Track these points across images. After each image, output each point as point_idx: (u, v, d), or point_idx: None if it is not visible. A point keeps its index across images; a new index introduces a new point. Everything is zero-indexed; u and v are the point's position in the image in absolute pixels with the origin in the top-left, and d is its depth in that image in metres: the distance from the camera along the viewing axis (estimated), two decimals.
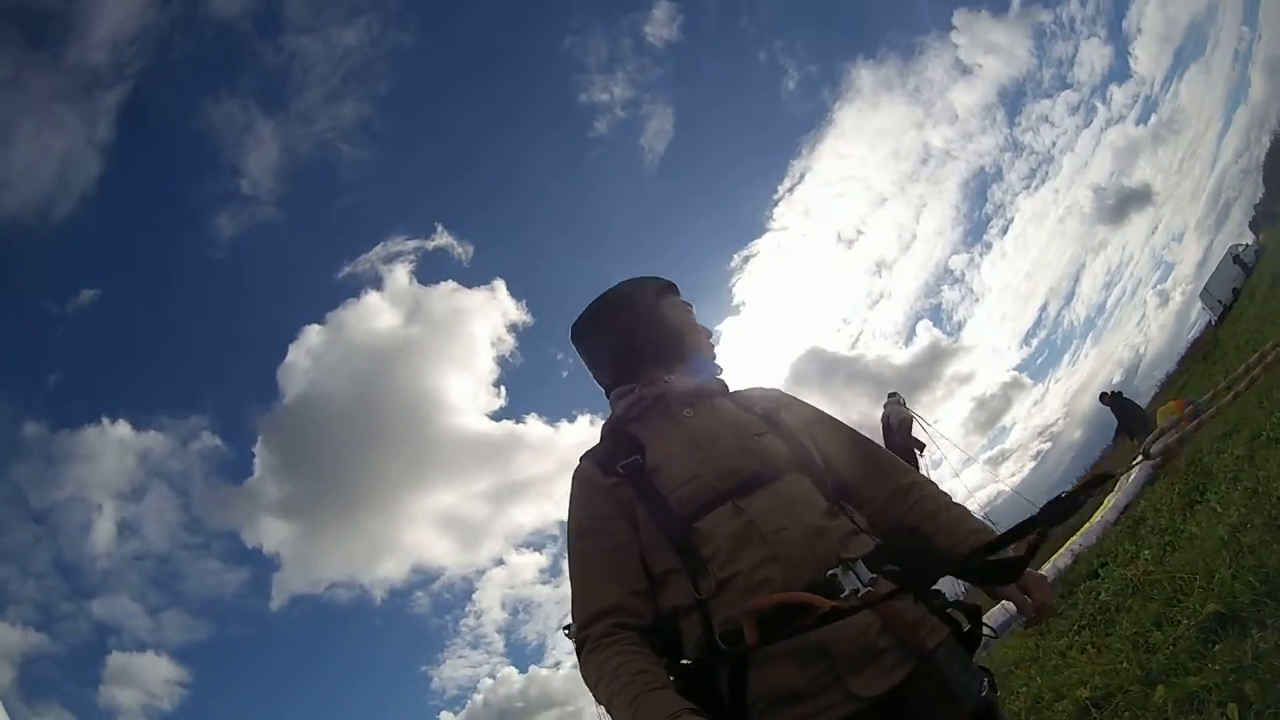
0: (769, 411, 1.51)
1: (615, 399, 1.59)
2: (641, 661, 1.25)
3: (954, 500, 1.51)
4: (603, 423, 1.60)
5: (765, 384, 1.64)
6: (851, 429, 1.59)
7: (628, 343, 1.59)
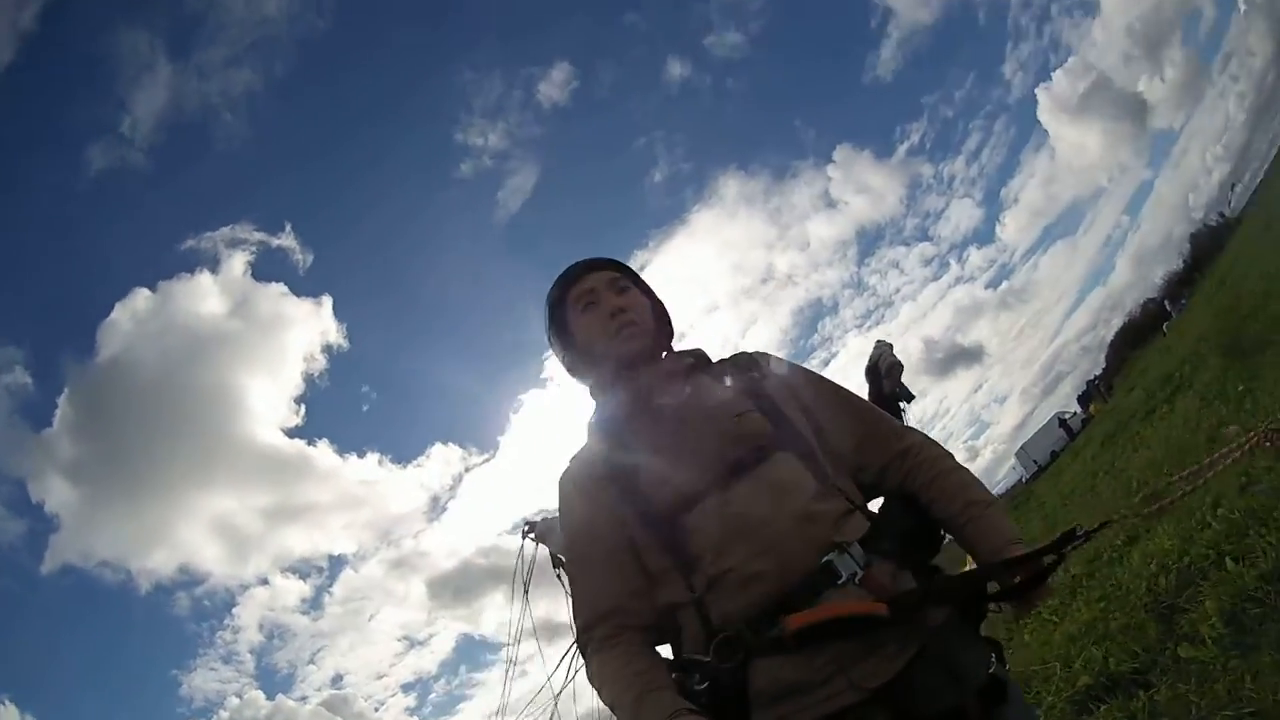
0: (752, 383, 1.43)
1: (594, 396, 1.55)
2: (641, 662, 1.25)
3: (956, 464, 1.42)
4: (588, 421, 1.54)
5: (747, 351, 1.55)
6: (843, 389, 1.51)
7: (569, 373, 1.59)
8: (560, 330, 1.55)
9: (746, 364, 1.48)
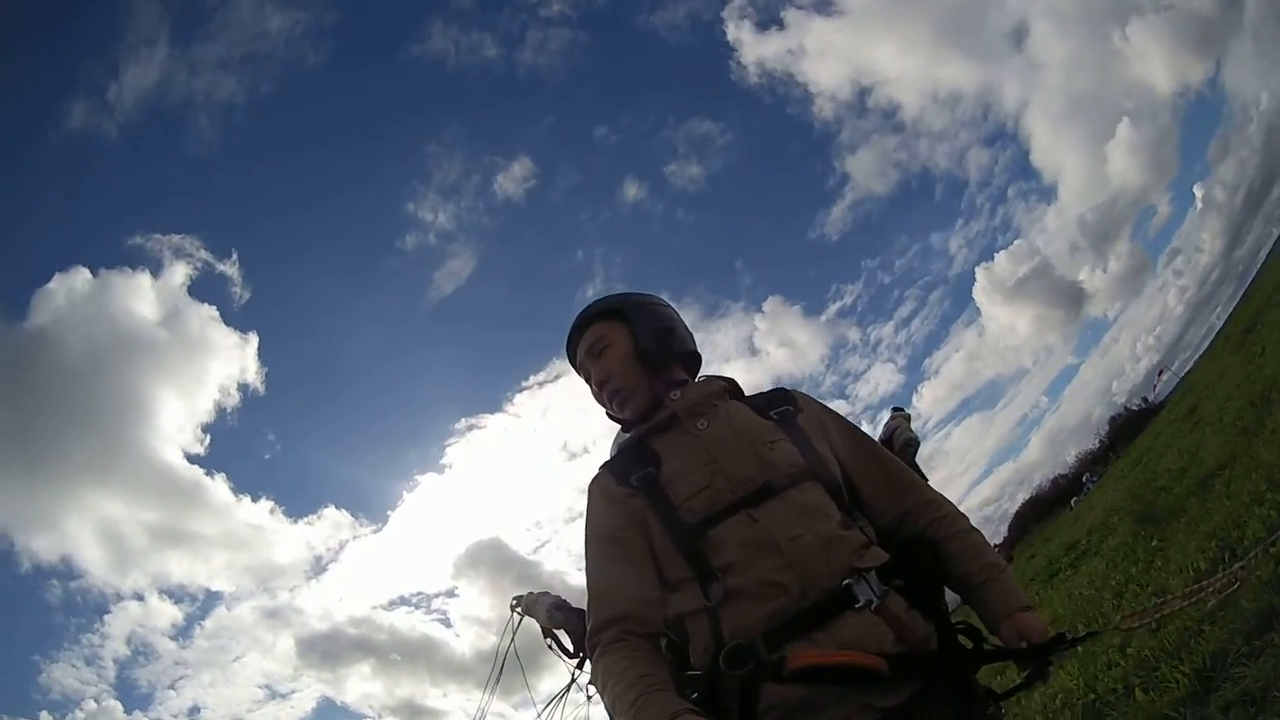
0: (784, 415, 1.49)
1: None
2: (645, 665, 1.27)
3: (973, 526, 1.48)
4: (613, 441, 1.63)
5: (783, 387, 1.62)
6: (869, 438, 1.58)
7: None
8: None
9: (781, 399, 1.55)
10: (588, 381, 1.62)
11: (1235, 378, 12.58)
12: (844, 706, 1.19)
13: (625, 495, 1.43)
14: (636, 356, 1.55)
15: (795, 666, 1.18)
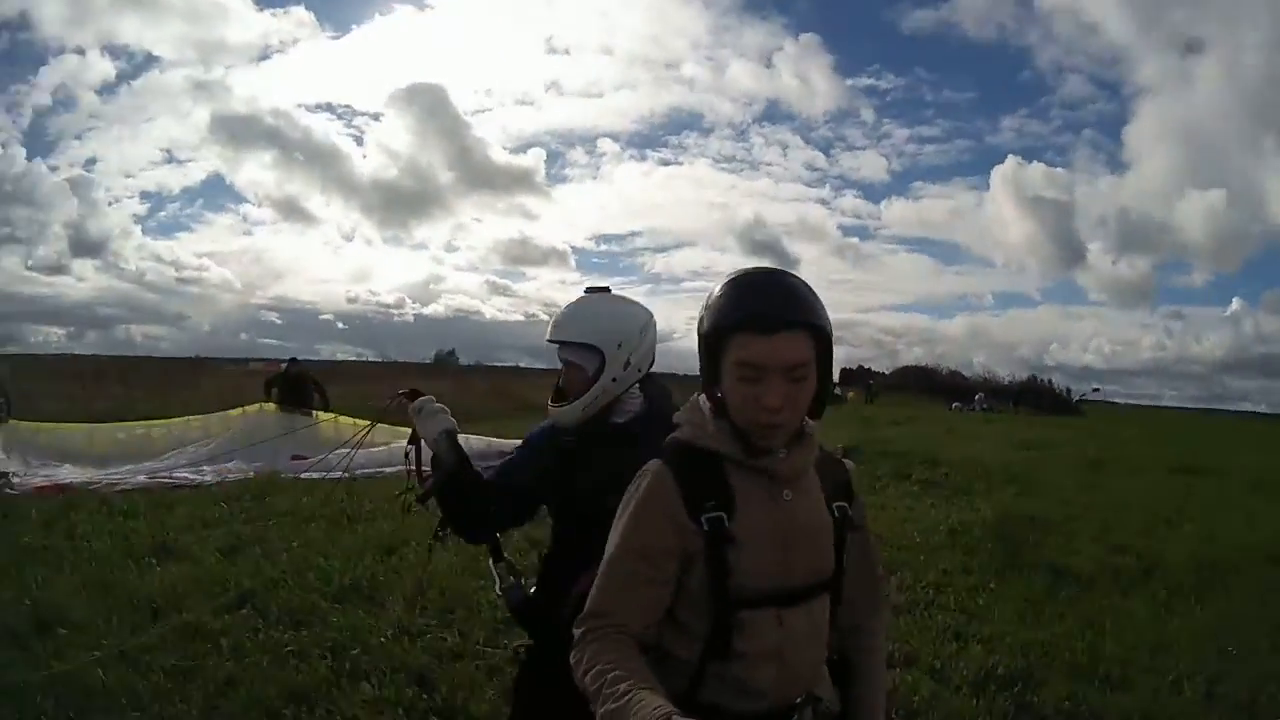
0: (842, 515, 1.43)
1: (708, 415, 1.39)
2: (639, 661, 1.25)
3: (882, 667, 1.58)
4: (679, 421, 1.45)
5: (844, 463, 1.52)
6: (876, 556, 1.62)
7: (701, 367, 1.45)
8: (710, 359, 1.35)
9: (845, 488, 1.47)
10: (738, 380, 1.30)
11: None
12: None
13: (685, 522, 1.32)
14: (814, 400, 1.35)
15: None
